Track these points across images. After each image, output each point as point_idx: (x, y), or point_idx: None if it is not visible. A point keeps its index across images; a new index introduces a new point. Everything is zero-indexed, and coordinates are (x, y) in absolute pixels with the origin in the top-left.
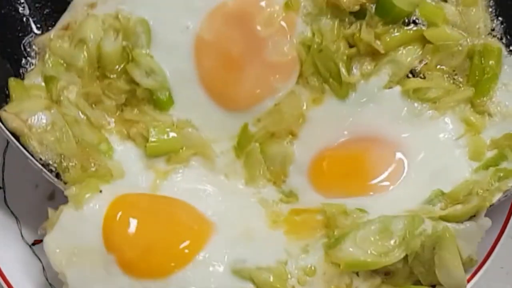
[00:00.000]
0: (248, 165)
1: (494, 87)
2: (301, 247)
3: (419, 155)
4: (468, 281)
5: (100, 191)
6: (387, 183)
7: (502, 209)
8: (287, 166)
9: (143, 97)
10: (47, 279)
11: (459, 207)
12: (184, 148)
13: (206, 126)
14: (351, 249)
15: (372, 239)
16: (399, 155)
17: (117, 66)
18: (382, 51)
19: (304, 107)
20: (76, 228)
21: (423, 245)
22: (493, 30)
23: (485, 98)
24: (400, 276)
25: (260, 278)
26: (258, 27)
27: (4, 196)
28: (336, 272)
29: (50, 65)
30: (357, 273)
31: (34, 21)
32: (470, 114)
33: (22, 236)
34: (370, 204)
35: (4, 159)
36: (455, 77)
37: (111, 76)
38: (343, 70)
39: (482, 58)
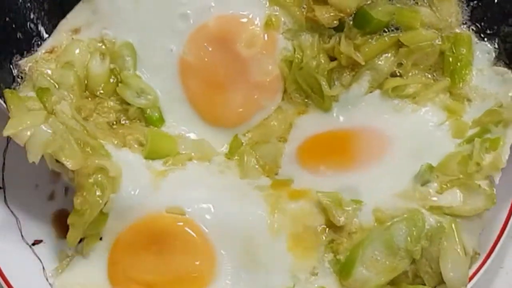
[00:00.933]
0: (241, 163)
1: (469, 74)
2: (309, 270)
3: (402, 136)
4: (468, 280)
5: (100, 239)
6: (372, 157)
7: (502, 209)
8: (279, 159)
9: (135, 116)
10: (47, 279)
11: (458, 194)
12: (181, 152)
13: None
14: (364, 273)
15: (380, 260)
16: (382, 135)
17: (106, 88)
18: (363, 63)
19: (290, 117)
20: (84, 272)
21: (429, 239)
22: (465, 23)
23: (461, 85)
24: (405, 280)
25: None
26: (240, 47)
27: (4, 196)
28: None
29: (41, 80)
30: None
31: (23, 40)
32: (449, 102)
33: (22, 236)
34: (360, 184)
35: (4, 159)
36: (432, 73)
37: (101, 95)
38: (324, 85)
39: (454, 48)
